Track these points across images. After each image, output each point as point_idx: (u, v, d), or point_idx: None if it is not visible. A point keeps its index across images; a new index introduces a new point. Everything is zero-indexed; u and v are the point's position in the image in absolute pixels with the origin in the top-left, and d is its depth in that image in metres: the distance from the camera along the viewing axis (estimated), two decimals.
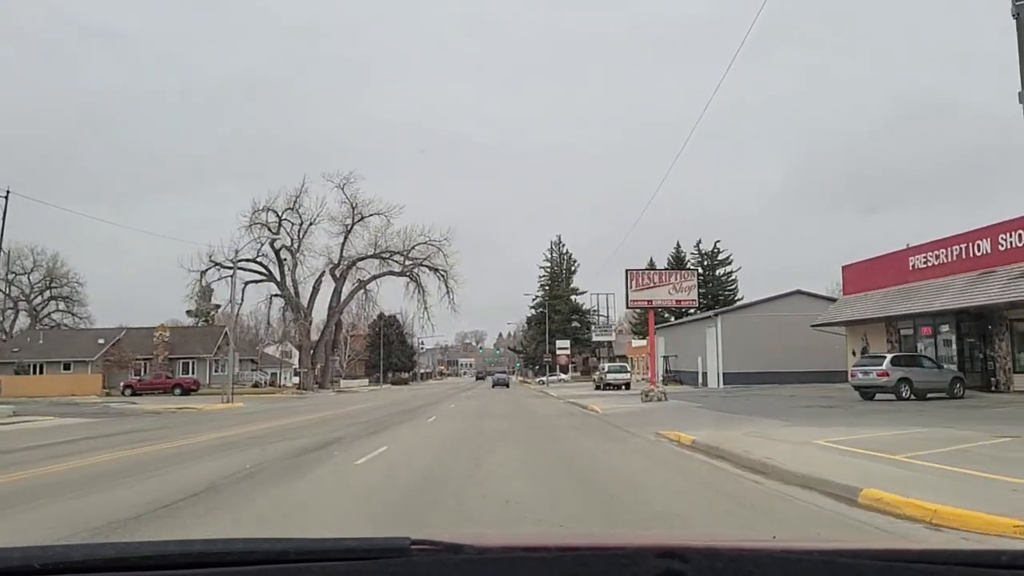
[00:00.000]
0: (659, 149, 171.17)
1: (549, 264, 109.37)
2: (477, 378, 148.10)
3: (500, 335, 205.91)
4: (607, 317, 76.64)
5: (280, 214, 67.28)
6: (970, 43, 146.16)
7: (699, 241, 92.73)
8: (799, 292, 50.43)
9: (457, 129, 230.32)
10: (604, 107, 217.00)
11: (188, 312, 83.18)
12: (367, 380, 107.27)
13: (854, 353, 42.28)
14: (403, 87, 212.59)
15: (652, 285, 32.39)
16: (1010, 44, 14.58)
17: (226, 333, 75.37)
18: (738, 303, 50.29)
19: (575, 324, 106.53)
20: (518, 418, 25.93)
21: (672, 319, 62.24)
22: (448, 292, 74.59)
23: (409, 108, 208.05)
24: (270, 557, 1.30)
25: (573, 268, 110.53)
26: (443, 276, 74.63)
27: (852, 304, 40.97)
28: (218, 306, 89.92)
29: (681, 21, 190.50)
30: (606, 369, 54.92)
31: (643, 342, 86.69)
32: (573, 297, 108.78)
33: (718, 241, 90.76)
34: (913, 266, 35.63)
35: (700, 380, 54.74)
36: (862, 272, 40.88)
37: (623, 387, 53.05)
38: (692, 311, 54.70)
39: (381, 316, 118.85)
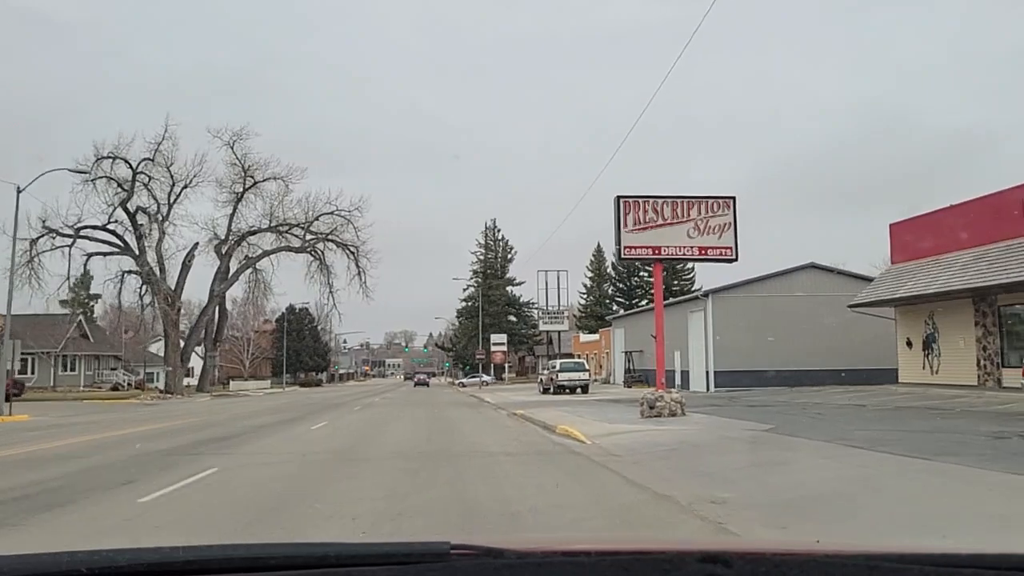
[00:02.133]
0: (630, 149, 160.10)
1: (483, 251, 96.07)
2: (405, 378, 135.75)
3: (431, 334, 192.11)
4: (556, 305, 62.64)
5: (135, 166, 52.28)
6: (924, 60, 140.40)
7: None
8: (813, 266, 38.61)
9: (404, 131, 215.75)
10: (561, 108, 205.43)
11: (62, 303, 66.11)
12: (269, 382, 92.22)
13: (909, 344, 30.33)
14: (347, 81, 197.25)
15: (662, 222, 19.62)
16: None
17: (77, 322, 60.05)
18: (734, 282, 37.71)
19: (511, 318, 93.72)
20: (428, 468, 12.90)
21: (643, 303, 50.51)
22: (360, 272, 60.77)
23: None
24: (311, 562, 1.29)
25: (510, 256, 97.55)
26: (353, 253, 60.78)
27: (910, 275, 29.03)
28: (98, 296, 74.40)
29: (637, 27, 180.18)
30: (557, 367, 42.07)
31: (593, 337, 74.40)
32: (510, 288, 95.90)
33: None
34: None
35: (678, 381, 42.36)
36: (928, 228, 28.96)
37: (579, 390, 40.56)
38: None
39: (291, 309, 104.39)
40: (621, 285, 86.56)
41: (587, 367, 43.01)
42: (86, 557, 1.28)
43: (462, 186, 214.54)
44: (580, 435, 15.48)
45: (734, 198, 19.91)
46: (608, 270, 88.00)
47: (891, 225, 31.58)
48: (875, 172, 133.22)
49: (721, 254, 19.72)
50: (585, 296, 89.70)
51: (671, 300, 46.62)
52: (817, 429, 14.64)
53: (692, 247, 19.69)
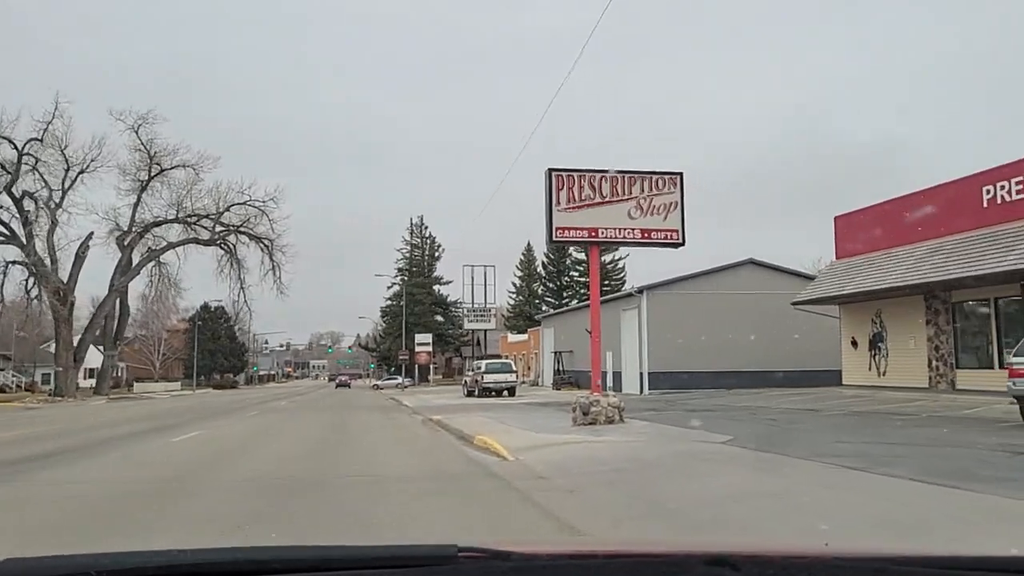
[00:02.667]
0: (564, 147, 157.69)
1: (409, 248, 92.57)
2: (330, 380, 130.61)
3: (358, 335, 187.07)
4: (483, 303, 59.27)
5: (21, 148, 47.33)
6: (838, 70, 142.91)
7: None
8: (752, 262, 36.71)
9: (334, 126, 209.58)
10: (490, 106, 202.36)
11: None
12: (180, 384, 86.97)
13: (854, 344, 28.57)
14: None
15: (600, 200, 17.03)
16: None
17: None
18: (670, 278, 35.59)
19: (439, 318, 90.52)
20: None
21: (575, 303, 48.05)
22: (274, 267, 56.87)
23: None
24: (317, 565, 1.28)
25: (437, 254, 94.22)
26: (267, 247, 56.82)
27: (856, 270, 27.24)
28: None
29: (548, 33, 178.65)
30: (482, 368, 39.23)
31: (522, 337, 71.71)
32: (437, 287, 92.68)
33: None
34: (994, 199, 22.07)
35: (610, 383, 40.07)
36: (877, 221, 27.20)
37: (506, 392, 37.96)
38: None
39: (205, 307, 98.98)
40: (551, 284, 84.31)
41: (514, 368, 40.31)
42: (91, 561, 1.26)
43: (393, 184, 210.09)
44: (501, 448, 12.70)
45: (681, 174, 17.44)
46: (538, 269, 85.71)
47: (836, 218, 29.81)
48: (800, 182, 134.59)
49: (666, 237, 17.20)
50: (514, 296, 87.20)
51: (603, 298, 44.48)
52: (788, 441, 12.19)
53: (634, 229, 17.10)
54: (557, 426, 16.86)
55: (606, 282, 71.97)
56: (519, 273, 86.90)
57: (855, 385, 28.01)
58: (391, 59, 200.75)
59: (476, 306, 57.66)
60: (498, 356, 54.58)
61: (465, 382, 42.97)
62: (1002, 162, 22.23)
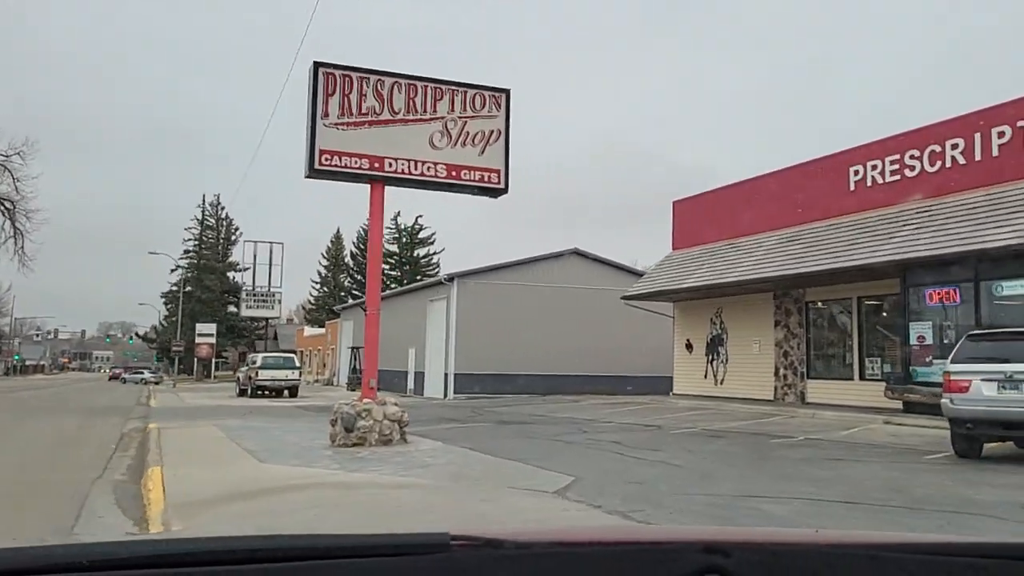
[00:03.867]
0: None
1: (200, 228, 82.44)
2: (111, 378, 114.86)
3: (153, 326, 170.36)
4: (266, 286, 50.64)
5: None
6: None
7: (397, 213, 74.18)
8: (577, 253, 32.53)
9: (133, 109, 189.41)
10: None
11: None
12: None
13: (689, 347, 24.97)
14: None
15: (389, 117, 11.65)
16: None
17: None
18: (485, 266, 30.87)
19: (232, 308, 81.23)
20: None
21: (385, 294, 41.66)
22: (16, 234, 46.69)
23: None
24: (308, 554, 1.26)
25: (234, 238, 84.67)
26: (8, 210, 46.58)
27: (696, 262, 23.59)
28: None
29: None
30: (258, 363, 32.55)
31: (319, 331, 64.66)
32: (232, 274, 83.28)
33: (420, 216, 73.18)
34: (863, 181, 18.82)
35: (411, 385, 34.75)
36: (720, 206, 23.68)
37: (287, 392, 31.84)
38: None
39: None
40: (360, 277, 77.69)
41: (297, 364, 33.86)
42: (82, 550, 1.26)
43: (192, 166, 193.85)
44: (159, 500, 6.98)
45: (507, 91, 12.35)
46: (347, 259, 78.94)
47: (675, 203, 26.10)
48: (618, 200, 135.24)
49: (483, 179, 12.06)
50: (319, 287, 79.88)
51: (409, 286, 39.19)
52: (674, 490, 7.31)
53: (437, 164, 11.82)
54: (310, 447, 11.25)
55: (418, 277, 66.48)
56: (324, 262, 79.74)
57: (687, 395, 24.33)
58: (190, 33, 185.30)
59: (258, 289, 49.55)
60: (290, 351, 47.60)
61: (239, 379, 36.04)
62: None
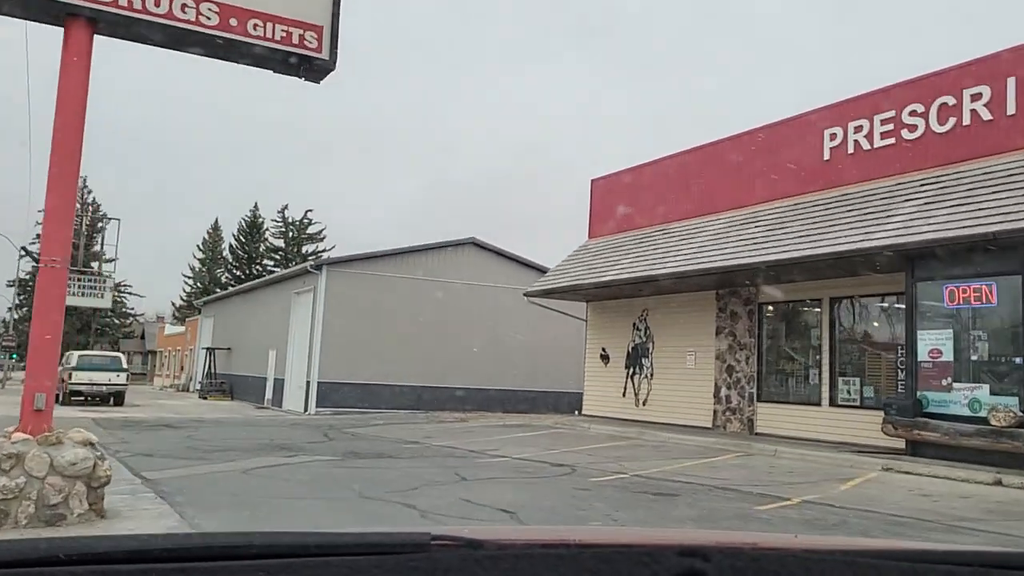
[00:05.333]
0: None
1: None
2: None
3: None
4: (96, 267, 42.89)
5: None
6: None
7: (285, 207, 68.12)
8: (474, 244, 27.33)
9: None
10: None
11: None
12: None
13: (604, 357, 20.25)
14: None
15: None
16: None
17: None
18: (364, 253, 25.46)
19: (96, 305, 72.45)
20: None
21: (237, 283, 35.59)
22: None
23: None
24: (292, 551, 1.27)
25: (101, 225, 75.66)
26: None
27: (617, 252, 18.84)
28: None
29: None
30: (72, 362, 26.12)
31: (179, 329, 57.27)
32: (96, 264, 74.33)
33: (310, 211, 67.69)
34: (842, 146, 14.42)
35: (270, 395, 28.81)
36: (652, 183, 19.03)
37: (112, 399, 25.90)
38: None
39: None
40: (239, 272, 70.45)
41: (124, 365, 27.43)
42: (63, 543, 1.24)
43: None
44: None
45: None
46: (224, 253, 71.61)
47: (593, 181, 21.32)
48: (540, 212, 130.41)
49: (289, 40, 6.76)
50: (191, 282, 72.11)
51: (273, 276, 33.30)
52: None
53: (205, 3, 6.44)
54: None
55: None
56: (200, 255, 72.13)
57: (601, 416, 19.53)
58: None
59: (86, 274, 41.93)
60: (149, 355, 40.64)
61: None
62: None
